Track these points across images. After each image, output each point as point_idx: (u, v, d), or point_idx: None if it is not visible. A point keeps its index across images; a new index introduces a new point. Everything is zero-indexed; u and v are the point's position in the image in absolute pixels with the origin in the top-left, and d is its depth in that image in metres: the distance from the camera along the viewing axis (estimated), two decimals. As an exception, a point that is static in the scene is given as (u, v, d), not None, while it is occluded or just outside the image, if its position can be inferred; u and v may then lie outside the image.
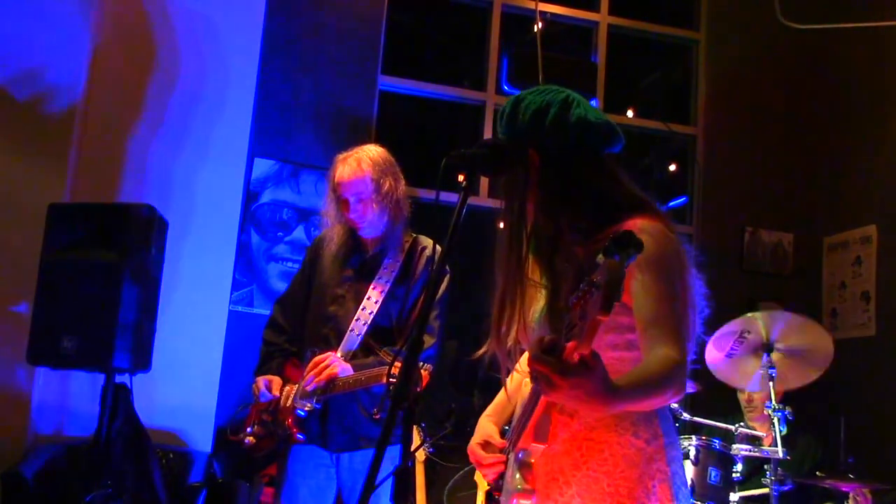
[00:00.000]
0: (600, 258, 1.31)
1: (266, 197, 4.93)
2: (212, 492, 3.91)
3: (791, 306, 5.09)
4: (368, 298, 2.95)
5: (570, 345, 1.33)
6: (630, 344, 1.72)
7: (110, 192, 4.30)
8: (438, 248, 3.02)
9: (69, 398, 4.06)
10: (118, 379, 3.24)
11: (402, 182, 3.08)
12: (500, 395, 2.12)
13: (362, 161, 3.01)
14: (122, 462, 3.24)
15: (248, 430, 2.99)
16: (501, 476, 1.86)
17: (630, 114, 6.02)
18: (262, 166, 4.92)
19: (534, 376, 1.39)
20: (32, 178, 4.09)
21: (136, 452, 3.34)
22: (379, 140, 5.16)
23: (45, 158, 4.18)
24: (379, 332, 2.94)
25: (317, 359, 2.88)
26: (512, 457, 1.78)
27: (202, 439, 4.29)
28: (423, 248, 3.04)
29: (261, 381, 3.01)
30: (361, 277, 3.02)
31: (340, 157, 3.07)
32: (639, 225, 1.68)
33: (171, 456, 4.01)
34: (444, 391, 6.34)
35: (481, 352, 1.90)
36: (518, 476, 1.68)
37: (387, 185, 3.00)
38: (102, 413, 3.18)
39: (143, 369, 3.28)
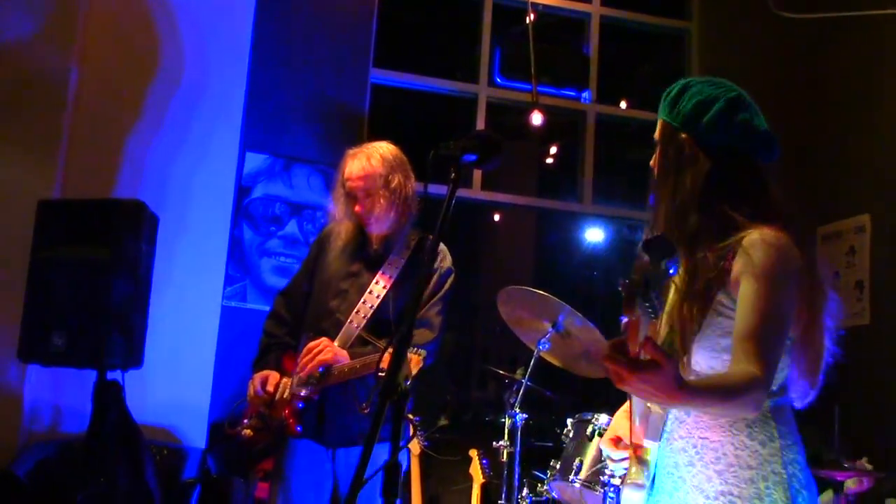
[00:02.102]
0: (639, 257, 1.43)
1: (258, 191, 4.92)
2: (206, 488, 3.90)
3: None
4: (370, 292, 2.94)
5: (634, 347, 1.43)
6: None
7: (101, 188, 4.28)
8: (443, 246, 3.03)
9: (62, 395, 4.04)
10: (110, 376, 3.22)
11: (413, 180, 3.08)
12: None
13: (372, 156, 3.01)
14: (115, 459, 3.23)
15: (245, 422, 2.97)
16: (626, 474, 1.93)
17: (623, 105, 6.01)
18: (254, 161, 4.90)
19: (606, 370, 1.47)
20: (22, 175, 4.07)
21: (129, 449, 3.33)
22: (371, 133, 5.17)
23: (35, 155, 4.16)
24: (379, 325, 2.92)
25: (310, 345, 2.87)
26: (631, 451, 1.86)
27: (196, 435, 4.28)
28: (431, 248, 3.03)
29: (256, 378, 2.99)
30: (366, 272, 3.01)
31: (351, 151, 3.07)
32: (761, 234, 1.70)
33: (165, 452, 4.00)
34: (440, 384, 6.34)
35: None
36: (634, 469, 1.78)
37: (395, 182, 3.00)
38: (95, 410, 3.16)
39: (136, 366, 3.26)
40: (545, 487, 3.55)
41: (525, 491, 3.69)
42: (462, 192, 5.41)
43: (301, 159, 4.95)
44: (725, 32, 5.80)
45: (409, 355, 2.40)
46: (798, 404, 1.82)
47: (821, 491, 3.82)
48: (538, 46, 5.32)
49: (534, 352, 3.65)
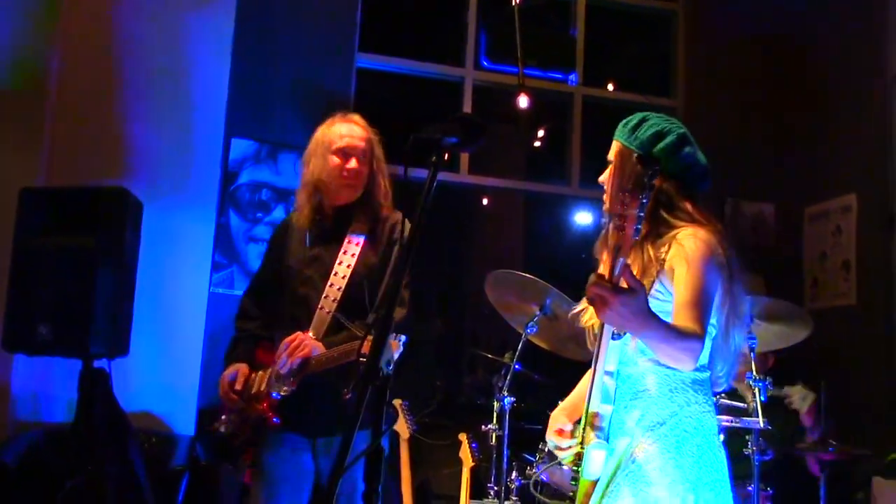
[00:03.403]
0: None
1: (244, 178, 4.89)
2: (195, 475, 3.89)
3: (772, 280, 5.14)
4: (335, 274, 2.89)
5: (616, 274, 1.79)
6: None
7: (85, 175, 4.24)
8: (401, 215, 2.99)
9: (48, 384, 4.03)
10: (97, 364, 3.20)
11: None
12: (575, 393, 2.42)
13: (362, 124, 3.01)
14: (102, 447, 3.22)
15: (223, 417, 2.94)
16: (578, 456, 2.15)
17: (610, 87, 5.99)
18: (240, 147, 4.88)
19: (591, 299, 1.80)
20: (5, 163, 4.04)
21: (117, 437, 3.32)
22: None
23: (17, 143, 4.13)
24: (350, 306, 2.86)
25: (287, 339, 2.82)
26: (589, 418, 2.13)
27: (185, 422, 4.27)
28: (387, 217, 2.99)
29: (225, 378, 2.93)
30: (327, 254, 2.95)
31: (336, 116, 3.03)
32: (694, 231, 2.07)
33: (154, 440, 4.00)
34: (428, 369, 6.34)
35: (581, 316, 2.26)
36: (592, 434, 2.07)
37: (381, 155, 3.00)
38: (81, 399, 3.15)
39: (122, 354, 3.24)
40: (534, 470, 3.56)
41: (514, 474, 3.71)
42: (450, 176, 5.40)
43: (287, 145, 4.93)
44: (712, 13, 5.78)
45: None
46: (719, 387, 2.16)
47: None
48: (524, 29, 5.30)
49: (522, 335, 3.66)
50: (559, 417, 2.30)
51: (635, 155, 2.15)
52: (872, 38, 5.15)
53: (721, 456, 2.09)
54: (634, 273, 2.02)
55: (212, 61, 4.60)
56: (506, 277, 3.66)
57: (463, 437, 4.00)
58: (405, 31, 6.05)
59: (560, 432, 2.23)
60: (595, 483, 2.08)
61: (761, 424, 3.33)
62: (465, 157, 5.47)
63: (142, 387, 4.05)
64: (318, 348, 2.81)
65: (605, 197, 2.26)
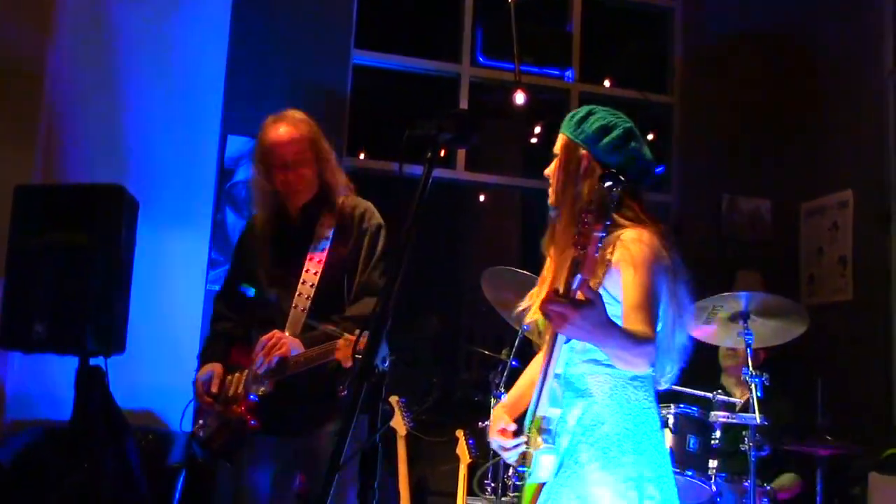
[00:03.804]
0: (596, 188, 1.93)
1: (241, 174, 4.88)
2: (191, 472, 3.89)
3: (769, 276, 5.15)
4: (307, 271, 2.86)
5: (573, 289, 1.75)
6: None
7: (80, 172, 4.24)
8: (368, 203, 2.95)
9: (45, 382, 4.02)
10: (93, 361, 3.20)
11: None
12: (516, 389, 2.40)
13: (297, 121, 2.90)
14: (99, 445, 3.21)
15: (201, 421, 2.91)
16: (524, 456, 2.14)
17: (607, 83, 5.99)
18: (236, 143, 4.87)
19: (548, 316, 1.76)
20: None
21: (113, 435, 3.31)
22: (354, 114, 5.14)
23: (12, 140, 4.11)
24: (325, 301, 2.84)
25: (263, 338, 2.77)
26: (535, 423, 2.11)
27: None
28: (353, 207, 2.96)
29: (199, 380, 2.91)
30: (296, 252, 2.91)
31: (269, 119, 2.94)
32: (639, 233, 2.07)
33: (151, 437, 4.00)
34: (425, 366, 6.34)
35: (526, 315, 2.23)
36: (540, 439, 2.05)
37: (323, 146, 2.92)
38: (77, 396, 3.15)
39: (118, 351, 3.24)
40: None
41: (511, 470, 3.70)
42: (446, 173, 5.39)
43: (283, 141, 4.91)
44: (709, 9, 5.78)
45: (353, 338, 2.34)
46: (661, 385, 2.16)
47: (779, 473, 3.86)
48: (520, 25, 5.29)
49: (518, 332, 3.66)
50: (501, 416, 2.25)
51: (582, 151, 2.15)
52: (869, 35, 5.15)
53: (664, 450, 2.11)
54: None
55: (208, 58, 4.59)
56: (502, 274, 3.66)
57: (460, 433, 4.00)
58: (401, 27, 6.03)
59: (503, 432, 2.18)
60: (542, 486, 2.07)
61: (758, 420, 3.33)
62: (461, 154, 5.47)
63: (138, 384, 4.04)
64: (297, 346, 2.76)
65: (550, 191, 2.25)
